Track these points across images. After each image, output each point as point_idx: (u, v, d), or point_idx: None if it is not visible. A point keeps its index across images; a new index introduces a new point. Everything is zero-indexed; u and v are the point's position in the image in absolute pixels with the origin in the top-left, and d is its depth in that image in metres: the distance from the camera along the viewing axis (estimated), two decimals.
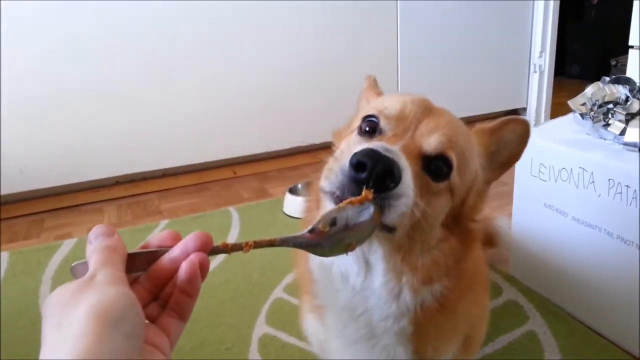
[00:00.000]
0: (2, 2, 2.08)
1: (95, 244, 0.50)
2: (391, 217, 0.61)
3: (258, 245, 0.54)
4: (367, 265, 0.74)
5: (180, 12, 2.37)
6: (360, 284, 0.74)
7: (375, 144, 0.65)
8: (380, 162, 0.58)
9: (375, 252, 0.72)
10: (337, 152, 0.66)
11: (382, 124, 0.72)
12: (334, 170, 0.62)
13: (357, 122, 0.76)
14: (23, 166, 2.29)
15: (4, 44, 2.12)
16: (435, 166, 0.69)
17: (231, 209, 2.25)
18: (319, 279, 0.80)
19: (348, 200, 0.57)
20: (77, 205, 2.43)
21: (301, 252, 0.82)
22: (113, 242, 0.51)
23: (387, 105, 0.74)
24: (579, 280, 1.38)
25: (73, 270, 0.50)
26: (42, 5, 2.15)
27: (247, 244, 0.53)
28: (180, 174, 2.65)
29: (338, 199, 0.60)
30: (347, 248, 0.59)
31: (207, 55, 2.48)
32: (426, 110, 0.73)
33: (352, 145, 0.72)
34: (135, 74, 2.37)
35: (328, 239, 0.57)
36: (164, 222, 2.14)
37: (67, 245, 1.97)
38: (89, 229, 1.92)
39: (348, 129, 0.81)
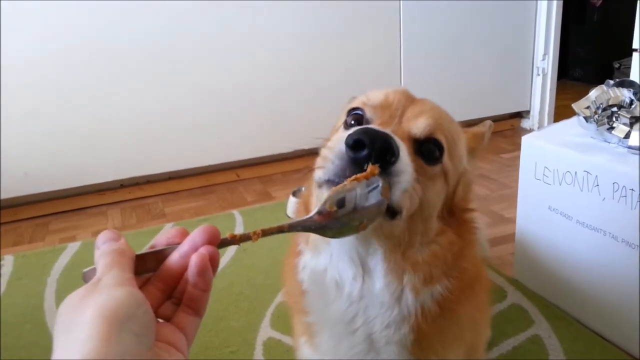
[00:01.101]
0: (1, 2, 2.10)
1: (103, 248, 0.50)
2: (395, 196, 0.60)
3: (266, 233, 0.53)
4: (364, 268, 0.70)
5: (184, 15, 2.38)
6: (357, 291, 0.71)
7: (366, 125, 0.65)
8: (378, 138, 0.57)
9: (375, 252, 0.70)
10: (329, 144, 0.64)
11: (368, 114, 0.72)
12: (329, 158, 0.60)
13: (342, 119, 0.77)
14: (27, 169, 2.30)
15: (5, 45, 2.13)
16: (426, 149, 0.69)
17: (235, 212, 2.26)
18: (310, 290, 0.76)
19: (353, 177, 0.56)
20: (81, 209, 2.44)
21: (291, 266, 0.81)
22: (120, 245, 0.50)
23: (370, 97, 0.74)
24: (583, 284, 1.38)
25: (84, 276, 0.50)
26: (45, 6, 2.16)
27: (255, 232, 0.52)
28: (185, 177, 2.65)
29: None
30: (359, 227, 0.57)
31: (212, 59, 2.49)
32: (409, 98, 0.75)
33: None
34: (139, 78, 2.38)
35: (336, 220, 0.55)
36: (168, 225, 2.15)
37: (72, 248, 1.97)
38: (94, 232, 1.93)
39: (333, 131, 0.81)
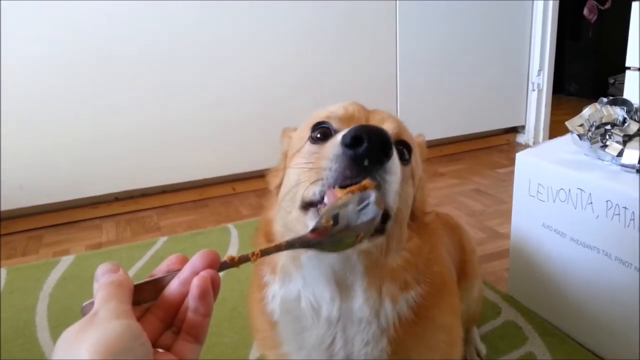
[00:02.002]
0: (2, 3, 2.10)
1: (101, 281, 0.50)
2: (390, 197, 0.60)
3: (264, 253, 0.52)
4: (342, 287, 0.69)
5: (178, 28, 2.39)
6: (336, 312, 0.69)
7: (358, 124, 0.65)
8: (375, 131, 0.57)
9: (354, 267, 0.68)
10: (301, 166, 0.63)
11: (334, 125, 0.72)
12: (325, 167, 0.59)
13: (306, 133, 0.75)
14: (22, 182, 2.30)
15: (2, 59, 2.14)
16: (398, 151, 0.69)
17: (230, 225, 2.25)
18: (281, 321, 0.74)
19: (348, 189, 0.55)
20: (75, 222, 2.43)
21: (256, 300, 0.78)
22: (118, 277, 0.50)
23: (332, 110, 0.75)
24: (577, 301, 1.38)
25: (82, 310, 0.50)
26: (40, 25, 2.17)
27: (254, 253, 0.52)
28: (180, 190, 2.65)
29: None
30: (356, 240, 0.57)
31: (207, 73, 2.50)
32: (365, 108, 0.77)
33: (311, 154, 0.68)
34: (134, 91, 2.39)
35: (331, 237, 0.55)
36: (162, 239, 2.14)
37: (65, 262, 1.96)
38: (87, 246, 1.91)
39: (291, 156, 0.78)
